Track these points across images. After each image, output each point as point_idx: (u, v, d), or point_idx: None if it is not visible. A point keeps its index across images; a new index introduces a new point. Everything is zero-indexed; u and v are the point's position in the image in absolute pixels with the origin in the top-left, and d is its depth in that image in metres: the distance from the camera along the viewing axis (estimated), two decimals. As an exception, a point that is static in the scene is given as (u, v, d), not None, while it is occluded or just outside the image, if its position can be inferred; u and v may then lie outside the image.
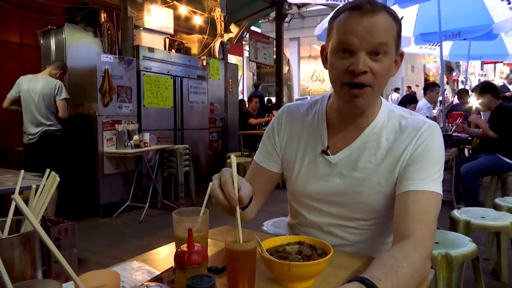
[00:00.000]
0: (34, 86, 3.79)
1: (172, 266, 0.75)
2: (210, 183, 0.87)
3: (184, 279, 0.65)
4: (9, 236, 0.64)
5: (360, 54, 0.90)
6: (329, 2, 4.02)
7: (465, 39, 6.45)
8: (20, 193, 0.72)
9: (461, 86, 14.91)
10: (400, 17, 0.95)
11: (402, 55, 0.99)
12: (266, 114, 7.71)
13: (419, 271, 0.80)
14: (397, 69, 0.99)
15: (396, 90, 14.84)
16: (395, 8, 4.30)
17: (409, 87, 15.58)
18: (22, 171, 0.75)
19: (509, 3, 5.13)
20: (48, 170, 0.69)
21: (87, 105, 4.43)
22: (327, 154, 1.04)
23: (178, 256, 0.69)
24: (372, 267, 0.74)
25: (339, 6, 0.96)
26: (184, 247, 0.70)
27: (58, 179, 0.66)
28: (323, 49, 1.02)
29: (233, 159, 0.84)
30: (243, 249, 0.75)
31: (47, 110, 3.82)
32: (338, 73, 0.94)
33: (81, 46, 4.72)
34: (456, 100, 8.79)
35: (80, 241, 2.95)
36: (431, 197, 0.90)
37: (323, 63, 1.02)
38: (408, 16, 6.02)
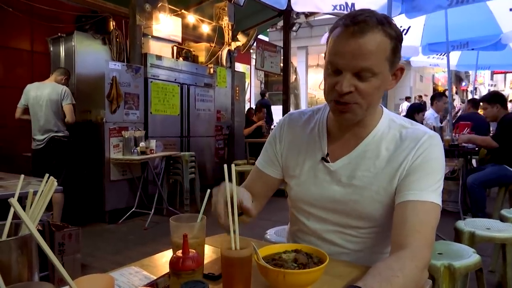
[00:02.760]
0: (41, 93, 3.84)
1: (168, 272, 0.75)
2: (208, 190, 0.88)
3: (178, 284, 0.65)
4: (6, 239, 0.65)
5: (346, 74, 0.91)
6: (336, 11, 4.04)
7: (473, 49, 6.44)
8: (26, 198, 0.74)
9: (470, 96, 14.79)
10: (401, 30, 0.95)
11: (402, 69, 0.98)
12: (273, 123, 7.71)
13: (415, 281, 0.80)
14: (396, 82, 0.99)
15: (407, 99, 14.76)
16: (401, 18, 4.30)
17: (420, 96, 15.34)
18: (22, 176, 0.77)
19: (517, 13, 5.11)
20: (47, 175, 0.70)
21: (94, 111, 4.48)
22: (327, 162, 1.05)
23: (173, 262, 0.70)
24: (367, 276, 0.74)
25: (340, 16, 0.97)
26: (179, 253, 0.71)
27: (55, 184, 0.67)
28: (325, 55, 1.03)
29: (233, 167, 0.84)
30: (239, 256, 0.75)
31: (54, 116, 3.87)
32: (327, 89, 0.97)
33: (90, 54, 4.80)
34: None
35: (85, 246, 2.97)
36: (429, 208, 0.90)
37: None
38: (416, 26, 6.03)
